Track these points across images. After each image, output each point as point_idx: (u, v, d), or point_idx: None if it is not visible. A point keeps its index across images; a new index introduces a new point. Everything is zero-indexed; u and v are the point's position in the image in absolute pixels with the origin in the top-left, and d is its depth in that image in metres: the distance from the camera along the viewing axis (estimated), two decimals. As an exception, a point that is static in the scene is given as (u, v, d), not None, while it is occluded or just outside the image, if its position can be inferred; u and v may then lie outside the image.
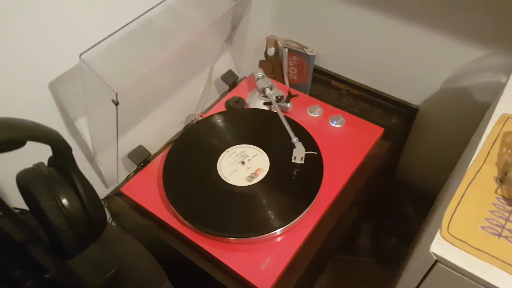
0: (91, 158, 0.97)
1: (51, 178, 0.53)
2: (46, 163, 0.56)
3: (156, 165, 1.00)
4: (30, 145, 0.48)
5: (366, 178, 0.98)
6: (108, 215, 1.07)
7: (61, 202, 0.52)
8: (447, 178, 1.05)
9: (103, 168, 0.98)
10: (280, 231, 0.84)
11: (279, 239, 0.85)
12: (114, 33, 0.73)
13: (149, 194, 0.94)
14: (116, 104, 0.72)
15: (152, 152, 1.03)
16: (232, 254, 0.82)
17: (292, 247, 0.83)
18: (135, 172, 1.02)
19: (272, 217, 0.85)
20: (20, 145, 0.47)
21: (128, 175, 1.04)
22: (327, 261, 1.27)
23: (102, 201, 1.00)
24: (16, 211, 0.72)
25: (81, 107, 0.83)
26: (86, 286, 0.62)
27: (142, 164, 1.00)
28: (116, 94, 0.70)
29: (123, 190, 0.96)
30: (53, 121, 0.85)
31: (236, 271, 0.80)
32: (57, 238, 0.53)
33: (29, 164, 0.55)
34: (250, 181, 0.91)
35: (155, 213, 0.91)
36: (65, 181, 0.53)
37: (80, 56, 0.67)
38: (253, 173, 0.92)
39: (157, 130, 1.06)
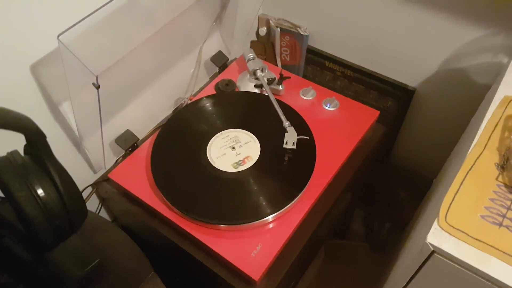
0: (77, 144, 0.94)
1: (25, 167, 0.50)
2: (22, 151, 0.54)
3: (145, 150, 0.98)
4: (5, 132, 0.45)
5: (360, 163, 0.96)
6: (97, 201, 1.05)
7: (36, 192, 0.49)
8: (444, 163, 1.03)
9: (90, 154, 0.96)
10: (272, 217, 0.82)
11: (270, 225, 0.83)
12: (95, 11, 0.69)
13: (138, 180, 0.92)
14: (97, 87, 0.69)
15: (140, 137, 1.01)
16: (222, 241, 0.81)
17: (284, 234, 0.81)
18: (123, 157, 0.99)
19: (264, 203, 0.83)
20: (-13, 133, 0.44)
21: (117, 160, 1.02)
22: (320, 246, 1.26)
23: (84, 187, 0.98)
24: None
25: (65, 90, 0.80)
26: (67, 278, 0.59)
27: (130, 149, 0.98)
28: (97, 77, 0.67)
29: (111, 176, 0.94)
30: (36, 106, 0.83)
31: (226, 258, 0.79)
32: (33, 230, 0.50)
33: (3, 153, 0.52)
34: (239, 167, 0.88)
35: (143, 199, 0.89)
36: (40, 170, 0.50)
37: (58, 37, 0.64)
38: (241, 160, 0.90)
39: (145, 114, 1.03)
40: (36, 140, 0.49)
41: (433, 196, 0.78)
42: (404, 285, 0.64)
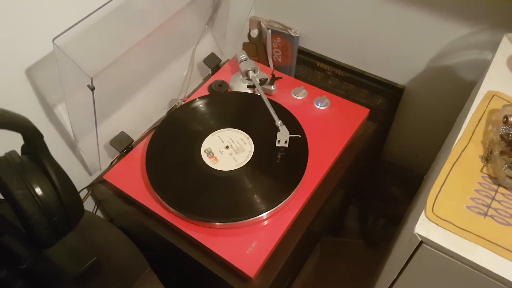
0: (73, 146, 0.95)
1: (23, 166, 0.51)
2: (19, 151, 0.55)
3: (139, 151, 0.98)
4: (3, 132, 0.46)
5: (352, 160, 0.97)
6: (93, 203, 1.06)
7: (34, 190, 0.50)
8: (434, 159, 1.04)
9: (85, 156, 0.97)
10: (266, 214, 0.83)
11: (265, 223, 0.84)
12: (89, 15, 0.70)
13: (133, 181, 0.93)
14: (92, 89, 0.70)
15: (135, 138, 1.02)
16: (218, 239, 0.82)
17: (278, 231, 0.82)
18: (118, 158, 1.00)
19: (258, 201, 0.84)
20: (-14, 133, 0.45)
21: (112, 162, 1.02)
22: (315, 243, 1.27)
23: (80, 189, 0.98)
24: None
25: (59, 93, 0.81)
26: (65, 275, 0.60)
27: (125, 150, 0.99)
28: (91, 79, 0.68)
29: (106, 177, 0.94)
30: (31, 109, 0.83)
31: (222, 256, 0.79)
32: (32, 228, 0.51)
33: (1, 153, 0.53)
34: (235, 165, 0.89)
35: (139, 200, 0.89)
36: (37, 169, 0.51)
37: (53, 40, 0.65)
38: (237, 158, 0.91)
39: (139, 116, 1.04)
40: (33, 139, 0.50)
41: (423, 190, 0.79)
42: (395, 277, 0.65)
